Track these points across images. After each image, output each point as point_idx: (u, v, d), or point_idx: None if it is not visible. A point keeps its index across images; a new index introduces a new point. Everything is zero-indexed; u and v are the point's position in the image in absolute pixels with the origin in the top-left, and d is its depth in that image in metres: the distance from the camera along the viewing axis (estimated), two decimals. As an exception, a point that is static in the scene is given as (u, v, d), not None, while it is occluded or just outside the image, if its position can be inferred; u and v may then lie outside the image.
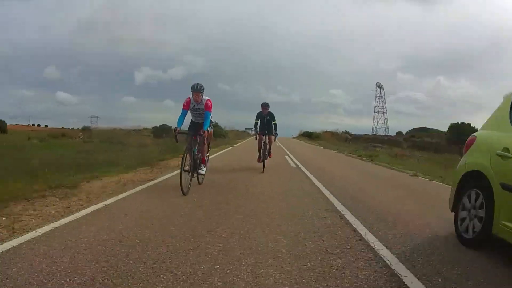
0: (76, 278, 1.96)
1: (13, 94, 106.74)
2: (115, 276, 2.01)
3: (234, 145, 20.64)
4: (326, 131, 57.96)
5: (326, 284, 2.04)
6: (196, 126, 4.93)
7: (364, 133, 60.70)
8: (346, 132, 60.47)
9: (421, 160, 16.85)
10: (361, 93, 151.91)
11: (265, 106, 7.35)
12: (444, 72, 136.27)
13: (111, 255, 2.33)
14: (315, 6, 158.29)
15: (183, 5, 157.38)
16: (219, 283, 1.97)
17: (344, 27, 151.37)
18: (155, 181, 5.70)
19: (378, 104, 67.07)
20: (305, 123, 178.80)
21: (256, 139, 7.60)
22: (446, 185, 6.28)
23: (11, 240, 2.59)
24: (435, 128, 52.35)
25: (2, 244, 2.48)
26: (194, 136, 4.75)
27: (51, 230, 2.87)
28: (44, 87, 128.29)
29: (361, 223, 3.49)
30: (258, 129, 7.49)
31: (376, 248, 2.72)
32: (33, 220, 3.16)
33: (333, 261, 2.43)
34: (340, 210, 4.05)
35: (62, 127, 50.58)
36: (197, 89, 4.74)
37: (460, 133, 29.13)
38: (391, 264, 2.40)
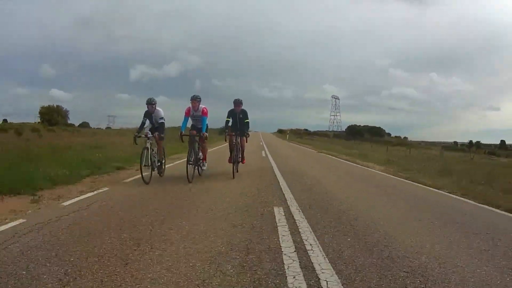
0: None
1: (7, 91, 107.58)
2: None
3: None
4: (291, 129, 79.07)
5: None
6: (195, 129, 5.89)
7: (324, 129, 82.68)
8: (305, 130, 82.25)
9: (314, 141, 37.48)
10: (355, 89, 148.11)
11: (238, 103, 6.43)
12: (436, 69, 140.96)
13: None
14: (310, 4, 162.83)
15: (177, 2, 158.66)
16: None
17: (338, 24, 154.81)
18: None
19: (334, 109, 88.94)
20: (296, 118, 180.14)
21: (226, 141, 6.56)
22: (307, 148, 25.88)
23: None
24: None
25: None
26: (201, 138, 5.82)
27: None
28: (38, 85, 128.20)
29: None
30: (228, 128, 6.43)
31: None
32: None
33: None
34: (264, 147, 23.33)
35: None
36: (194, 98, 5.76)
37: (353, 130, 51.91)
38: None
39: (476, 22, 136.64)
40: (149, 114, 5.68)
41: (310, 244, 2.50)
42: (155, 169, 5.60)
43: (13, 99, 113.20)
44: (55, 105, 54.25)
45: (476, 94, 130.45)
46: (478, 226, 3.37)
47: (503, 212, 4.14)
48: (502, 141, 78.08)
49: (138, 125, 5.77)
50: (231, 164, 6.20)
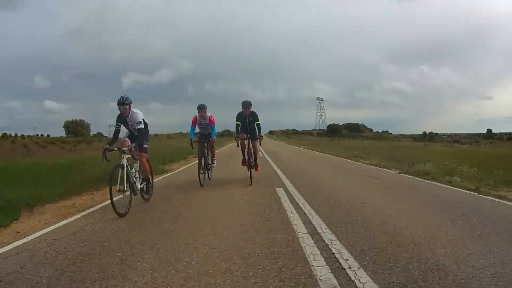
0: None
1: (1, 104, 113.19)
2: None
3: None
4: (280, 129, 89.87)
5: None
6: (204, 136, 6.35)
7: (312, 128, 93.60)
8: (293, 129, 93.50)
9: (297, 139, 48.31)
10: (346, 86, 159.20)
11: (247, 105, 6.23)
12: (426, 62, 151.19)
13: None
14: (298, 3, 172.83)
15: (167, 8, 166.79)
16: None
17: (327, 22, 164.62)
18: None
19: (319, 110, 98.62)
20: (288, 118, 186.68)
21: (238, 146, 6.27)
22: (285, 143, 36.49)
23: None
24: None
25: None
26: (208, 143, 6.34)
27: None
28: (32, 97, 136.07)
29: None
30: (239, 132, 6.21)
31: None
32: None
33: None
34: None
35: (61, 136, 57.82)
36: (202, 107, 6.16)
37: (333, 128, 63.55)
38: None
39: (463, 12, 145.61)
40: (123, 118, 4.38)
41: (269, 160, 12.95)
42: (137, 192, 4.29)
43: (6, 112, 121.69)
44: (78, 119, 65.99)
45: (468, 84, 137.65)
46: (317, 159, 14.13)
47: (333, 156, 14.79)
48: (489, 130, 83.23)
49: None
50: (245, 166, 6.23)
